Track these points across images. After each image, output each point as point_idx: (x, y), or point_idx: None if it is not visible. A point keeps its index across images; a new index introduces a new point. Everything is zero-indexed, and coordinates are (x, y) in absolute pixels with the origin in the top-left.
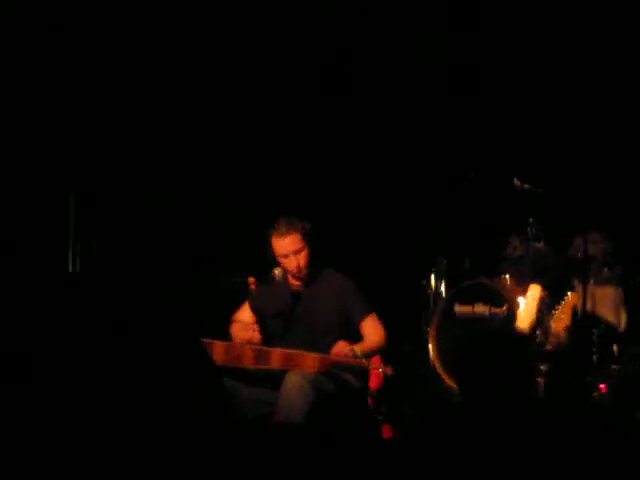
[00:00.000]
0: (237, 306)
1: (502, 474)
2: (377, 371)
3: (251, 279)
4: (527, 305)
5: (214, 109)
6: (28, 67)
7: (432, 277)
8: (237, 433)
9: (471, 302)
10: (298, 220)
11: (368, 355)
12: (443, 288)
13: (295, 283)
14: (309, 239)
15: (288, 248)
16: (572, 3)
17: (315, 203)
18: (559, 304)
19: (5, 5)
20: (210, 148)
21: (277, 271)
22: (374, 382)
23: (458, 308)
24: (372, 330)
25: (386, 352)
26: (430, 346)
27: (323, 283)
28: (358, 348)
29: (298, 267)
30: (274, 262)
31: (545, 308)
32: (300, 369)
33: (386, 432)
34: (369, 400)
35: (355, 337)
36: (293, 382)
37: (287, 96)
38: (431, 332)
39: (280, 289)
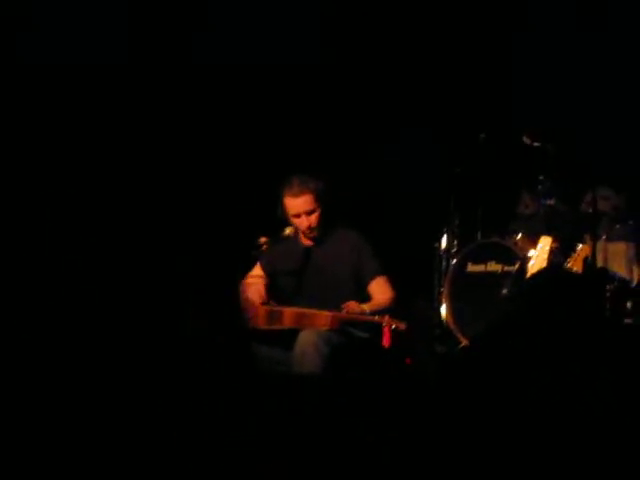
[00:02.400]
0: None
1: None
2: (389, 327)
3: (263, 239)
4: (538, 256)
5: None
6: None
7: (444, 237)
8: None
9: (484, 261)
10: (312, 179)
11: (378, 313)
12: (455, 248)
13: (307, 242)
14: (322, 199)
15: (301, 208)
16: None
17: (329, 161)
18: (570, 256)
19: None
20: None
21: (289, 230)
22: (387, 339)
23: (471, 267)
24: (381, 289)
25: (400, 311)
26: (443, 306)
27: (337, 241)
28: (367, 307)
29: (310, 227)
30: (285, 221)
31: (556, 260)
32: (313, 327)
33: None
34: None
35: (366, 297)
36: (306, 340)
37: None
38: (444, 292)
39: (292, 247)
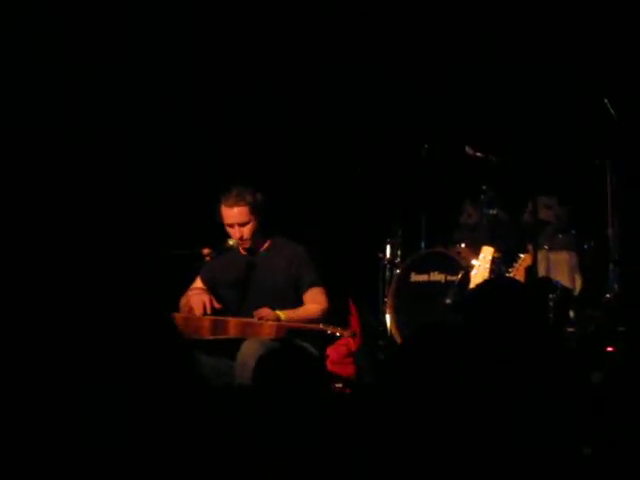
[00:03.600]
0: (193, 278)
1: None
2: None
3: (206, 250)
4: (480, 266)
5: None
6: None
7: (388, 247)
8: (206, 402)
9: (427, 271)
10: (250, 190)
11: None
12: (399, 258)
13: (247, 253)
14: (258, 211)
15: (235, 219)
16: None
17: (271, 173)
18: (512, 266)
19: None
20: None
21: (232, 241)
22: (334, 349)
23: (414, 277)
24: (314, 300)
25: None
26: (387, 316)
27: (277, 252)
28: (285, 315)
29: (242, 238)
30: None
31: (498, 269)
32: (257, 337)
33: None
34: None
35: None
36: (249, 350)
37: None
38: (388, 302)
39: (233, 258)
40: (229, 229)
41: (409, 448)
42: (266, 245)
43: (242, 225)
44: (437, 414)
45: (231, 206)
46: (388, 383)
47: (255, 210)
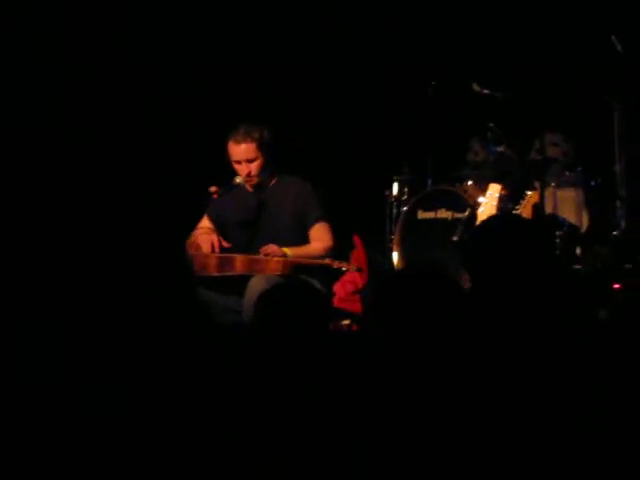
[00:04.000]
0: (201, 216)
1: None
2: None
3: (213, 188)
4: (487, 203)
5: None
6: None
7: (395, 184)
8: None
9: (434, 208)
10: (257, 127)
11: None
12: (406, 195)
13: (253, 190)
14: (265, 148)
15: (242, 155)
16: None
17: (278, 111)
18: (519, 204)
19: None
20: None
21: (239, 178)
22: (340, 286)
23: (421, 214)
24: (319, 236)
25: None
26: (394, 253)
27: (283, 188)
28: (291, 252)
29: (249, 175)
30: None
31: (505, 207)
32: (264, 273)
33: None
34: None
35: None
36: (256, 286)
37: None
38: (395, 239)
39: (241, 196)
40: (236, 166)
41: (410, 386)
42: (273, 182)
43: (249, 162)
44: (439, 351)
45: (239, 142)
46: (377, 321)
47: (262, 147)
